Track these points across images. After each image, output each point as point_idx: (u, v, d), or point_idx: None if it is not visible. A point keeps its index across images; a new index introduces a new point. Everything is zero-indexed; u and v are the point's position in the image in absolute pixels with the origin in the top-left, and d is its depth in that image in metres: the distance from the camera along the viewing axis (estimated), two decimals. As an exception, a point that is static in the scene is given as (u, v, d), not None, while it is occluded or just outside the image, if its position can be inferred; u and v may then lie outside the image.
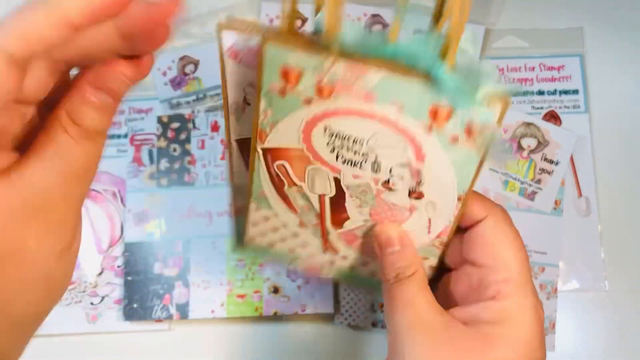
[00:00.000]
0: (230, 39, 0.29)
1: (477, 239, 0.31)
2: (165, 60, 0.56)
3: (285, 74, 0.28)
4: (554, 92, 0.55)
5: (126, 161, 0.54)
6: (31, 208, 0.23)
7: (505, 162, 0.31)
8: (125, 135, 0.55)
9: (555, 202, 0.53)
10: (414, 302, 0.30)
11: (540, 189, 0.53)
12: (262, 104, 0.30)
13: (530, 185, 0.53)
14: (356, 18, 0.56)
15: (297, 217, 0.35)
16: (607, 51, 0.56)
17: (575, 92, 0.55)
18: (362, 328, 0.51)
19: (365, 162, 0.31)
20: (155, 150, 0.54)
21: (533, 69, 0.56)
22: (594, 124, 0.55)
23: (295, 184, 0.33)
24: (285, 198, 0.34)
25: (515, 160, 0.53)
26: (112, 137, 0.56)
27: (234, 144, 0.34)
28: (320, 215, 0.35)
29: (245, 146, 0.33)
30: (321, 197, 0.34)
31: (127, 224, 0.53)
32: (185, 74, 0.56)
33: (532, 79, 0.55)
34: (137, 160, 0.54)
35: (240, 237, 0.38)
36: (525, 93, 0.55)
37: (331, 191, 0.34)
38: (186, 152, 0.54)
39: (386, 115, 0.29)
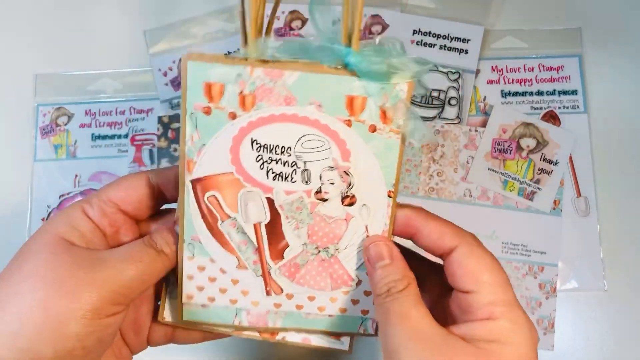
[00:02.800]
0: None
1: (456, 267, 0.31)
2: (165, 61, 0.57)
3: (208, 90, 0.31)
4: (553, 93, 0.55)
5: (127, 161, 0.55)
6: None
7: (423, 137, 0.32)
8: (126, 136, 0.56)
9: (555, 202, 0.53)
10: (409, 315, 0.29)
11: (539, 188, 0.53)
12: (188, 128, 0.31)
13: (529, 185, 0.53)
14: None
15: (235, 257, 0.34)
16: (605, 52, 0.56)
17: (574, 92, 0.55)
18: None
19: (295, 172, 0.32)
20: (155, 151, 0.55)
21: (532, 69, 0.56)
22: (593, 124, 0.55)
23: (228, 216, 0.33)
24: (220, 237, 0.34)
25: (515, 160, 0.53)
26: (113, 137, 0.56)
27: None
28: (258, 249, 0.34)
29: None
30: (256, 227, 0.34)
31: (128, 224, 0.53)
32: (186, 75, 0.56)
33: (531, 80, 0.56)
34: (137, 160, 0.55)
35: (175, 298, 0.35)
36: (524, 93, 0.56)
37: (266, 217, 0.33)
38: (187, 152, 0.54)
39: (307, 115, 0.31)
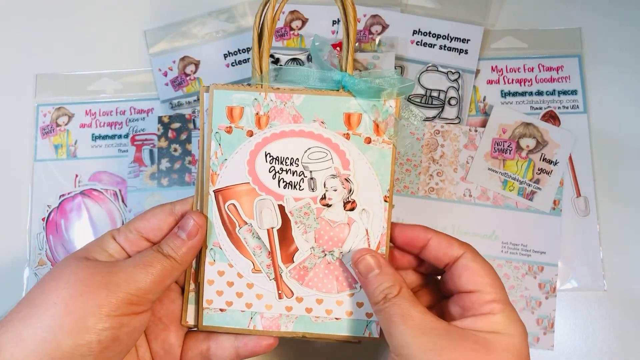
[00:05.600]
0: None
1: (463, 270, 0.35)
2: (166, 61, 0.57)
3: (230, 113, 0.37)
4: (552, 93, 0.55)
5: (127, 161, 0.55)
6: None
7: (412, 146, 0.43)
8: (126, 136, 0.56)
9: (554, 202, 0.53)
10: (411, 314, 0.32)
11: (539, 188, 0.53)
12: (213, 145, 0.37)
13: (529, 185, 0.53)
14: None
15: (250, 261, 0.38)
16: (605, 52, 0.56)
17: (574, 92, 0.55)
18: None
19: (303, 181, 0.37)
20: (156, 150, 0.55)
21: (532, 69, 0.56)
22: (593, 124, 0.55)
23: (245, 222, 0.38)
24: (237, 242, 0.38)
25: (514, 160, 0.54)
26: (113, 137, 0.56)
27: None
28: (271, 252, 0.38)
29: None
30: (269, 233, 0.38)
31: (128, 224, 0.53)
32: (186, 75, 0.56)
33: (531, 80, 0.56)
34: (138, 160, 0.55)
35: (195, 304, 0.39)
36: (524, 93, 0.56)
37: (278, 223, 0.38)
38: (187, 152, 0.54)
39: (312, 130, 0.37)
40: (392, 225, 0.39)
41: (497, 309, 0.33)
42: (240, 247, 0.38)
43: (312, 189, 0.38)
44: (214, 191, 0.38)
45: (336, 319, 0.38)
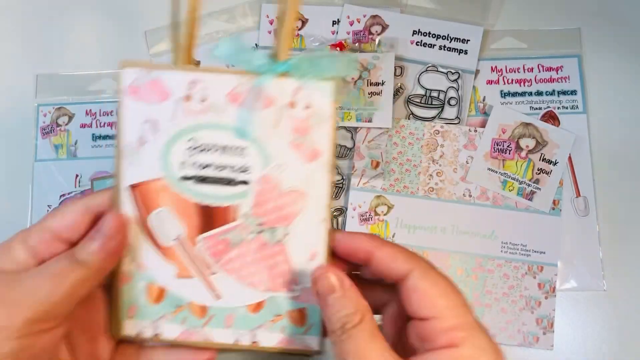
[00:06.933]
0: (130, 75, 0.32)
1: (411, 292, 0.29)
2: (165, 61, 0.57)
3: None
4: (552, 93, 0.55)
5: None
6: None
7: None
8: (126, 136, 0.56)
9: (554, 202, 0.53)
10: (366, 355, 0.27)
11: (538, 188, 0.53)
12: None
13: (528, 185, 0.53)
14: (355, 20, 0.56)
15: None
16: (605, 52, 0.56)
17: (574, 92, 0.55)
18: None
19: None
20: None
21: (531, 69, 0.56)
22: (592, 124, 0.55)
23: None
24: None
25: (514, 160, 0.54)
26: (114, 137, 0.56)
27: (128, 191, 0.33)
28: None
29: (140, 192, 0.32)
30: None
31: (128, 224, 0.53)
32: (186, 75, 0.57)
33: (530, 80, 0.56)
34: (138, 160, 0.55)
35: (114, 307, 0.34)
36: (523, 93, 0.56)
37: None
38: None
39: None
40: (334, 232, 0.33)
41: (458, 339, 0.27)
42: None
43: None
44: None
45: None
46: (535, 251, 0.52)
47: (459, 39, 0.56)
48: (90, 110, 0.57)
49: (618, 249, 0.53)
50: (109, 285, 0.33)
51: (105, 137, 0.56)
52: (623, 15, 0.57)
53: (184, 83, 0.32)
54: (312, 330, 0.33)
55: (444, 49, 0.56)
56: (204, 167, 0.32)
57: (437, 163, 0.54)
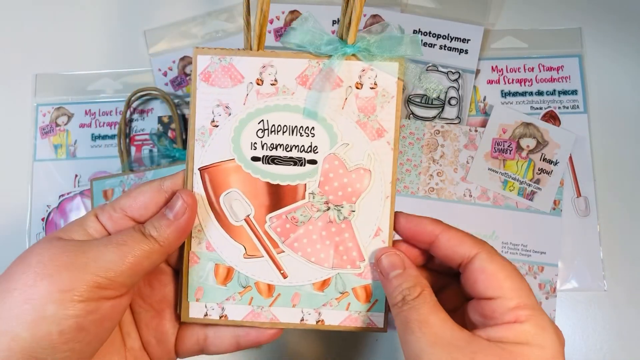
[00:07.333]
0: (204, 62, 0.33)
1: (478, 274, 0.31)
2: (165, 61, 0.57)
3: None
4: (553, 93, 0.55)
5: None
6: None
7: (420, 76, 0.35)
8: (127, 135, 0.56)
9: (554, 202, 0.53)
10: (428, 321, 0.29)
11: (539, 188, 0.53)
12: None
13: (529, 185, 0.53)
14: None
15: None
16: (605, 52, 0.56)
17: (574, 92, 0.55)
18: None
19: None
20: (155, 150, 0.55)
21: (532, 69, 0.56)
22: (593, 124, 0.55)
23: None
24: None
25: (515, 160, 0.53)
26: (113, 137, 0.56)
27: (198, 173, 0.34)
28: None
29: (210, 174, 0.34)
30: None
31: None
32: (186, 75, 0.56)
33: (531, 80, 0.56)
34: (137, 160, 0.55)
35: (180, 292, 0.35)
36: (524, 93, 0.56)
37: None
38: (187, 152, 0.54)
39: None
40: (397, 214, 0.34)
41: (523, 316, 0.29)
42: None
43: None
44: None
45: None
46: (535, 251, 0.52)
47: (460, 38, 0.55)
48: (90, 110, 0.56)
49: (619, 250, 0.53)
50: (177, 267, 0.35)
51: (105, 137, 0.56)
52: (624, 15, 0.57)
53: (256, 67, 0.33)
54: (377, 306, 0.34)
55: (445, 49, 0.55)
56: (273, 148, 0.33)
57: (437, 163, 0.53)
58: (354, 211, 0.33)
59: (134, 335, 0.34)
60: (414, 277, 0.32)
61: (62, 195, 0.55)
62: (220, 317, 0.34)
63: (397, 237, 0.35)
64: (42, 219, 0.55)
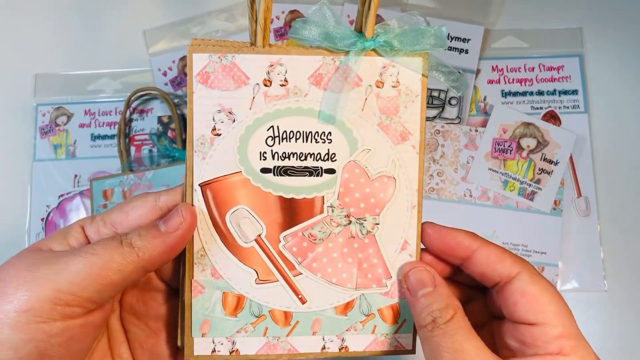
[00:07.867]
0: (200, 61, 0.29)
1: (519, 296, 0.28)
2: (165, 61, 0.56)
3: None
4: (553, 93, 0.55)
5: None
6: None
7: (465, 84, 0.31)
8: (126, 135, 0.55)
9: (555, 202, 0.53)
10: (464, 350, 0.26)
11: (539, 188, 0.53)
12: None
13: (529, 185, 0.53)
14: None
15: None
16: (606, 52, 0.56)
17: (575, 92, 0.55)
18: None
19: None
20: (155, 150, 0.54)
21: (532, 69, 0.56)
22: (594, 124, 0.55)
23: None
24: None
25: (515, 160, 0.53)
26: (113, 137, 0.56)
27: (199, 189, 0.29)
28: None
29: (213, 190, 0.30)
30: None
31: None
32: (186, 74, 0.56)
33: (531, 79, 0.56)
34: (137, 160, 0.54)
35: (181, 325, 0.31)
36: (524, 93, 0.56)
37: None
38: (186, 152, 0.54)
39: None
40: (425, 225, 0.31)
41: (567, 347, 0.27)
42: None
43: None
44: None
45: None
46: (536, 251, 0.52)
47: (460, 38, 0.55)
48: (89, 110, 0.56)
49: (619, 250, 0.53)
50: (174, 284, 0.31)
51: (104, 137, 0.56)
52: (625, 15, 0.57)
53: (263, 66, 0.29)
54: (405, 327, 0.31)
55: (445, 48, 0.55)
56: (286, 157, 0.29)
57: (437, 163, 0.53)
58: (378, 224, 0.30)
59: (126, 356, 0.31)
60: (446, 296, 0.28)
61: (62, 195, 0.55)
62: (231, 353, 0.30)
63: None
64: (42, 219, 0.55)
